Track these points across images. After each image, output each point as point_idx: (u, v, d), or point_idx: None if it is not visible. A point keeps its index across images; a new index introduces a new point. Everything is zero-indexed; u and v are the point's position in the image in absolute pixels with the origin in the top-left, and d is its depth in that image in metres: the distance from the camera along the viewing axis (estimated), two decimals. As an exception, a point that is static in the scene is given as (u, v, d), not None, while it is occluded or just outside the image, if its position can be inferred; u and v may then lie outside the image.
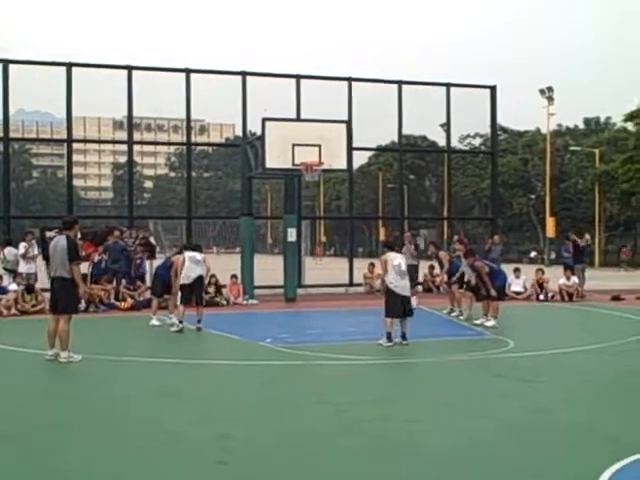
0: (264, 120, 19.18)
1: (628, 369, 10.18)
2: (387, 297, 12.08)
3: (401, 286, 11.98)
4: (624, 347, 11.98)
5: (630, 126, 52.26)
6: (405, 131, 26.26)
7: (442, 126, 27.20)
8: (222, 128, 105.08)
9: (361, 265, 24.35)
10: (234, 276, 19.87)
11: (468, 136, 61.33)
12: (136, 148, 26.33)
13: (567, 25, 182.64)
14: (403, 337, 11.91)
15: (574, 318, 17.40)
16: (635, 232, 54.30)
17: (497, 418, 7.16)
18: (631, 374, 9.72)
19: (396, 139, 26.35)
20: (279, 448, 6.18)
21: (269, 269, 22.58)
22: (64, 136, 23.07)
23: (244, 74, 22.62)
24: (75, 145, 24.69)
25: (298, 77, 23.09)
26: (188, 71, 22.37)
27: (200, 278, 14.23)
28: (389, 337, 11.82)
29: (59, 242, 10.50)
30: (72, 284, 10.38)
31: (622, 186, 48.26)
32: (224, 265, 21.24)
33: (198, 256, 14.26)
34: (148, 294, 19.31)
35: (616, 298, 20.55)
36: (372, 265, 23.84)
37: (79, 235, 20.26)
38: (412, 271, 17.81)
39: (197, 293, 14.15)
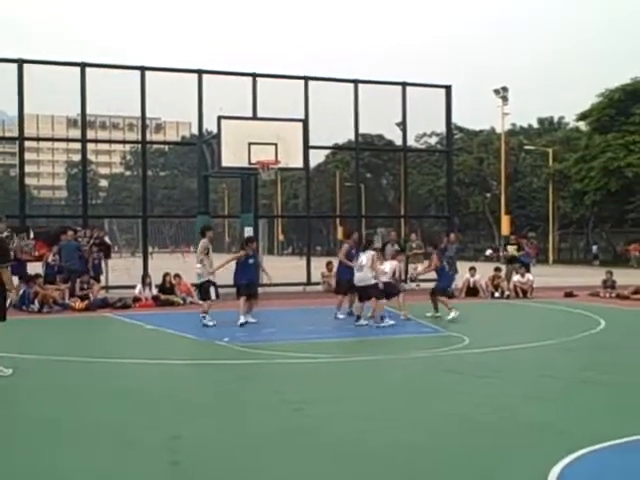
0: (220, 118, 19.10)
1: (579, 364, 10.35)
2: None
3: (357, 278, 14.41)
4: (576, 343, 12.19)
5: (582, 125, 53.19)
6: (361, 130, 26.36)
7: (398, 125, 27.33)
8: (178, 126, 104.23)
9: (319, 264, 24.35)
10: (177, 275, 19.53)
11: (424, 135, 61.90)
12: (90, 146, 26.03)
13: (522, 27, 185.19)
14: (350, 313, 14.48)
15: (528, 315, 17.62)
16: (587, 230, 55.27)
17: (453, 415, 7.21)
18: (582, 369, 9.87)
19: (352, 137, 26.44)
20: (233, 447, 6.13)
21: (226, 268, 22.42)
22: (16, 134, 22.64)
23: (200, 72, 22.49)
24: (28, 143, 24.33)
25: (254, 75, 23.02)
26: (143, 69, 22.16)
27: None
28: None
29: None
30: (1, 288, 9.34)
31: (575, 185, 49.06)
32: (180, 264, 21.11)
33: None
34: (102, 294, 19.14)
35: (569, 295, 20.89)
36: (330, 263, 23.88)
37: (32, 235, 20.09)
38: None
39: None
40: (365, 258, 14.35)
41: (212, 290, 14.45)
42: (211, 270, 14.64)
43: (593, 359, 10.77)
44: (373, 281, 14.24)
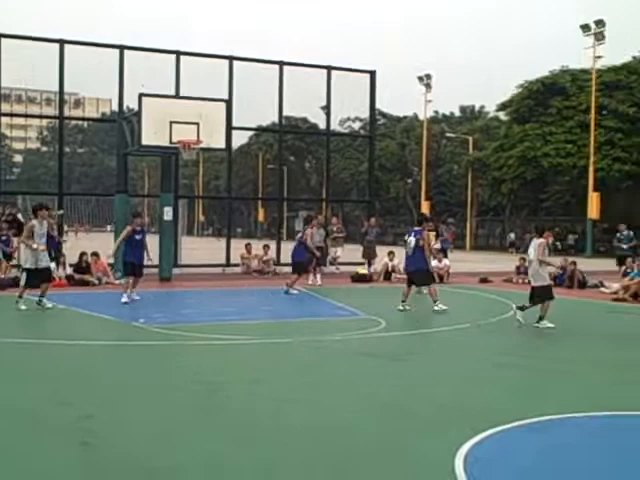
0: (141, 96, 18.75)
1: (491, 347, 10.64)
2: None
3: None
4: (489, 326, 12.54)
5: (502, 115, 54.38)
6: (286, 112, 26.28)
7: (322, 109, 27.36)
8: (98, 103, 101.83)
9: (239, 245, 24.29)
10: (94, 254, 19.18)
11: (348, 119, 62.08)
12: (5, 120, 25.14)
13: (446, 14, 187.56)
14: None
15: (444, 299, 17.93)
16: (504, 218, 56.63)
17: (367, 396, 7.32)
18: (493, 352, 10.16)
19: (277, 120, 26.34)
20: (147, 428, 6.08)
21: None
22: None
23: (122, 47, 21.99)
24: (-63, 115, 23.35)
25: (178, 53, 22.65)
26: (62, 42, 21.55)
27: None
28: None
29: None
30: None
31: (493, 173, 50.20)
32: (98, 244, 20.73)
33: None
34: (13, 273, 18.63)
35: (484, 280, 21.39)
36: (249, 245, 23.93)
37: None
38: None
39: None
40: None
41: (26, 275, 13.90)
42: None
43: (504, 343, 11.08)
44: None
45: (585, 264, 24.65)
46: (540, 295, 12.15)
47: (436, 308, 14.03)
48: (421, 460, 5.40)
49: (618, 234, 24.26)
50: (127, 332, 11.41)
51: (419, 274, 14.30)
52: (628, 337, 11.45)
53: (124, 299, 14.54)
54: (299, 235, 18.65)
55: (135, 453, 5.46)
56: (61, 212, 20.56)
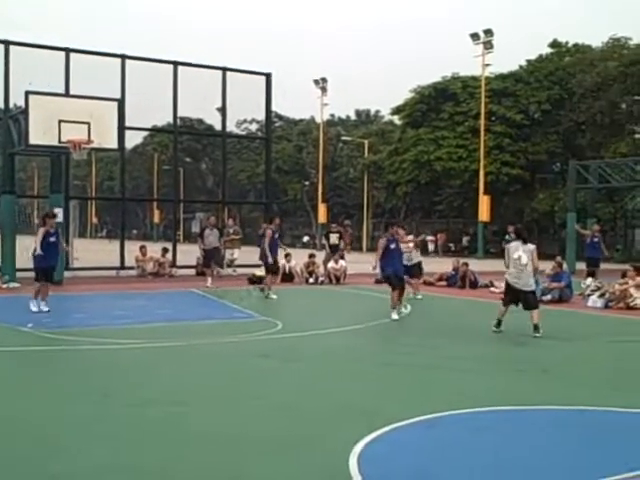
0: (27, 93, 18.12)
1: (385, 347, 10.80)
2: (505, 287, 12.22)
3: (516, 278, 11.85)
4: (381, 327, 12.73)
5: (396, 119, 55.39)
6: (181, 113, 25.93)
7: (218, 110, 27.15)
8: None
9: (134, 248, 23.81)
10: None
11: (245, 121, 62.02)
12: None
13: (344, 23, 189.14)
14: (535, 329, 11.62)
15: (340, 300, 18.13)
16: (399, 220, 57.66)
17: (262, 398, 7.28)
18: (387, 352, 10.32)
19: (172, 120, 25.94)
20: (34, 434, 5.86)
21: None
22: None
23: (7, 43, 21.11)
24: None
25: (67, 50, 21.95)
26: (-60, 35, 20.52)
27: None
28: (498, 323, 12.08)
29: None
30: None
31: (388, 176, 51.07)
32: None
33: None
34: None
35: (379, 281, 21.65)
36: (144, 248, 23.52)
37: None
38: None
39: None
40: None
41: None
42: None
43: (397, 342, 11.27)
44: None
45: (477, 265, 25.42)
46: (535, 299, 12.11)
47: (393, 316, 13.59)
48: (315, 460, 5.40)
49: (507, 236, 25.06)
50: (13, 337, 10.96)
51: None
52: (516, 334, 11.83)
53: (34, 307, 13.47)
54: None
55: (27, 459, 5.26)
56: None
